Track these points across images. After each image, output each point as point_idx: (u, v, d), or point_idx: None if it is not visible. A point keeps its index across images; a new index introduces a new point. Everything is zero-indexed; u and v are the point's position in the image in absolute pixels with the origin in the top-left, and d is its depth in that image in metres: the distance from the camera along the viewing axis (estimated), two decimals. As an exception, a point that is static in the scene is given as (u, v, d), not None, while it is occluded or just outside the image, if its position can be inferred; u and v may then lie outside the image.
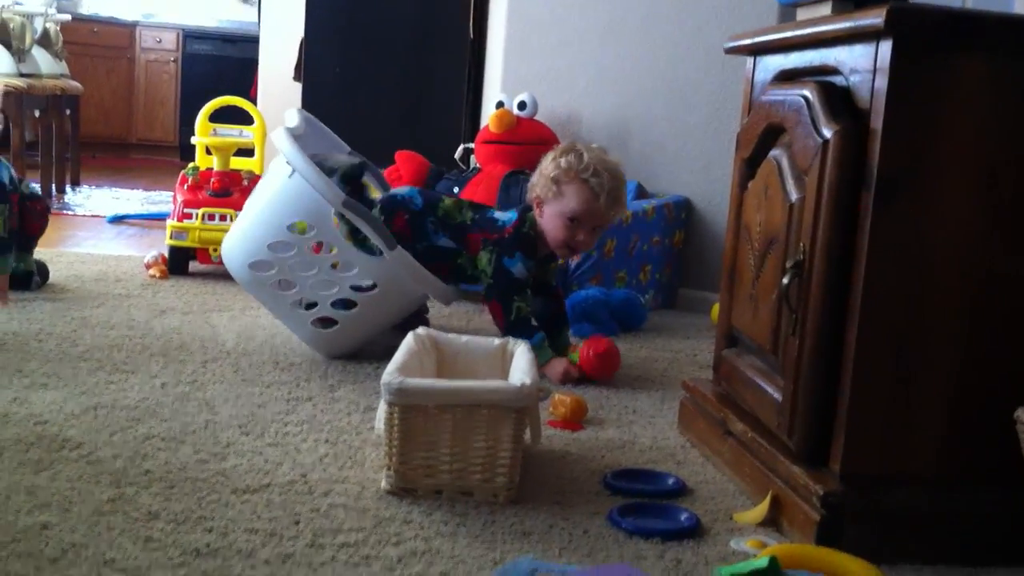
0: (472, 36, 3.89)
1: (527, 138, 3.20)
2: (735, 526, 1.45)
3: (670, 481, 1.57)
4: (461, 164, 3.50)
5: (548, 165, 2.23)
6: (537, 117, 3.23)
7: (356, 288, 2.15)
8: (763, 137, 1.63)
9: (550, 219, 2.21)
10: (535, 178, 2.26)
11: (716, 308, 2.76)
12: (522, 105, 3.22)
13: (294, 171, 2.09)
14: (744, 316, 1.65)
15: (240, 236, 2.22)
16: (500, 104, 3.27)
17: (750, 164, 1.68)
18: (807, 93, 1.46)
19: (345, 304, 2.15)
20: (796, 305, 1.42)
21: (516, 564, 1.22)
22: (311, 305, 2.17)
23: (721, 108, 3.06)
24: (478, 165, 3.34)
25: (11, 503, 1.34)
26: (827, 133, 1.37)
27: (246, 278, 2.22)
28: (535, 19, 3.30)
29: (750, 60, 1.78)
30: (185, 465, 1.52)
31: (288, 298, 2.18)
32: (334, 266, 2.18)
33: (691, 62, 3.11)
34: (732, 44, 1.79)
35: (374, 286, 2.14)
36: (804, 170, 1.44)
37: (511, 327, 2.18)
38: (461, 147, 3.55)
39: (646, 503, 1.48)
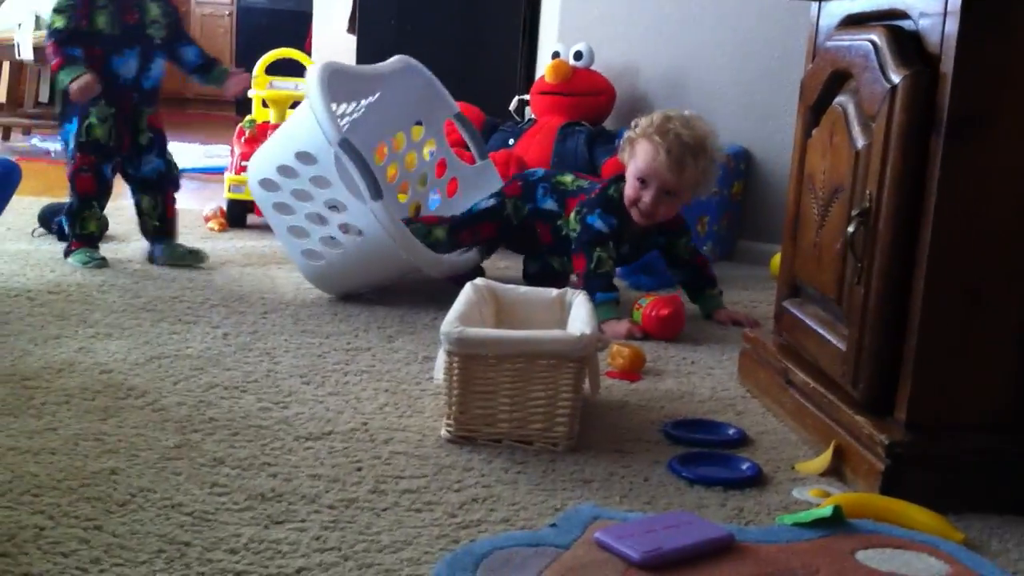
0: (527, -15, 3.85)
1: (583, 89, 3.18)
2: (797, 476, 1.43)
3: (730, 431, 1.56)
4: (516, 116, 3.48)
5: (627, 133, 2.27)
6: (594, 67, 3.20)
7: (345, 230, 2.20)
8: (828, 84, 1.60)
9: (627, 179, 2.24)
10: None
11: (775, 259, 2.74)
12: (578, 55, 3.19)
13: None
14: (807, 266, 1.63)
15: (261, 153, 2.33)
16: (556, 54, 3.24)
17: (814, 112, 1.65)
18: (875, 38, 1.42)
19: (334, 243, 2.21)
20: (862, 253, 1.39)
21: (577, 511, 1.22)
22: (304, 235, 2.23)
23: (781, 56, 3.00)
24: (533, 116, 3.32)
25: (79, 449, 1.36)
26: (895, 78, 1.34)
27: (256, 193, 2.30)
28: (591, -33, 3.26)
29: (814, 6, 1.74)
30: (248, 413, 1.54)
31: (286, 222, 2.25)
32: (334, 208, 2.20)
33: (750, 9, 3.06)
34: (797, -11, 1.75)
35: (360, 233, 2.17)
36: (871, 116, 1.41)
37: (589, 276, 2.20)
38: (516, 99, 3.53)
39: (706, 452, 1.47)
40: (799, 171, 1.70)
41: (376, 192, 2.13)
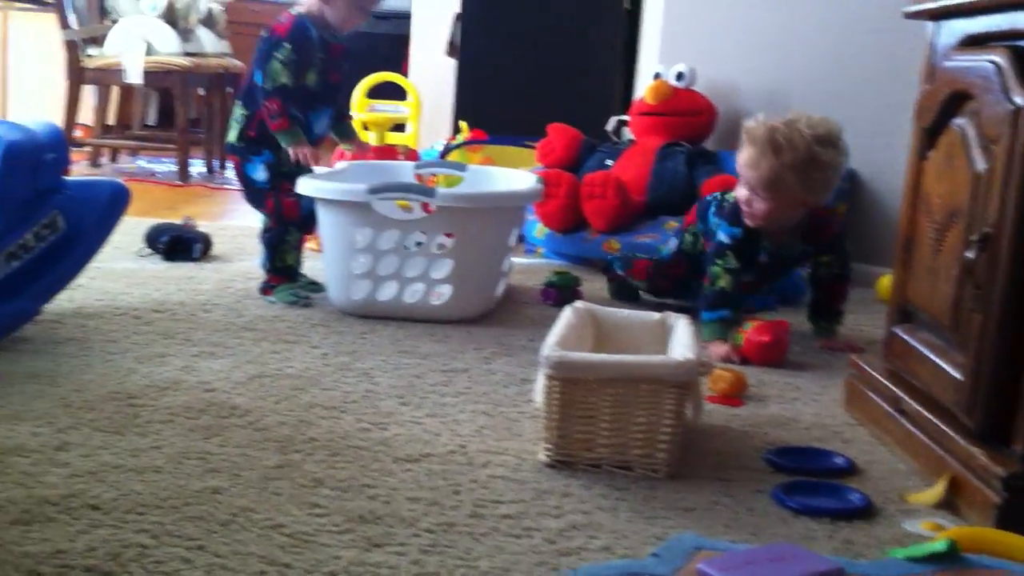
0: (628, 6, 3.83)
1: (684, 109, 3.15)
2: (908, 507, 1.38)
3: (837, 459, 1.52)
4: (613, 136, 3.46)
5: None
6: (695, 87, 3.17)
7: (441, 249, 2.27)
8: (945, 105, 1.54)
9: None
10: None
11: (882, 281, 2.67)
12: (680, 76, 3.16)
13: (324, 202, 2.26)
14: (921, 290, 1.58)
15: (334, 279, 2.32)
16: (657, 75, 3.21)
17: (930, 133, 1.60)
18: (997, 59, 1.37)
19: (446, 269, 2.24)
20: (981, 280, 1.34)
21: (680, 540, 1.19)
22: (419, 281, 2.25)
23: (888, 74, 2.92)
24: (632, 137, 3.29)
25: (183, 468, 1.38)
26: (1020, 101, 1.28)
27: (366, 309, 2.28)
28: (694, -13, 3.23)
29: (930, 25, 1.68)
30: (347, 434, 1.55)
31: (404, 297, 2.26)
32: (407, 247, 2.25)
33: (853, 25, 2.99)
34: (913, 9, 1.69)
35: (449, 236, 2.28)
36: (993, 139, 1.36)
37: (703, 291, 2.20)
38: (614, 119, 3.51)
39: (812, 481, 1.43)
40: (913, 193, 1.65)
41: (429, 191, 2.22)
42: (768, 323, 2.09)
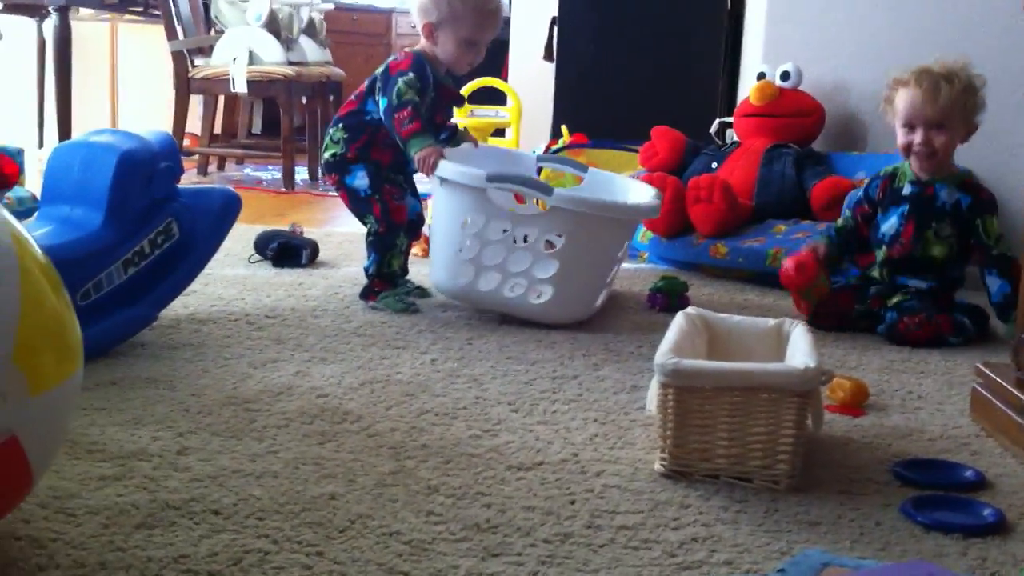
0: (729, 6, 3.78)
1: (790, 110, 3.09)
2: (1045, 525, 1.32)
3: (967, 473, 1.46)
4: (716, 139, 3.40)
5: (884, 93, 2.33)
6: (801, 87, 3.10)
7: (549, 247, 2.23)
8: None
9: (897, 135, 2.30)
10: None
11: (1005, 287, 2.57)
12: (785, 76, 3.10)
13: (441, 180, 2.26)
14: (1053, 296, 1.51)
15: (440, 260, 2.34)
16: (761, 75, 3.15)
17: (1059, 129, 1.54)
18: None
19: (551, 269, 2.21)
20: (1122, 283, 1.28)
21: (806, 556, 1.15)
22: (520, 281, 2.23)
23: (1005, 73, 2.82)
24: (737, 139, 3.24)
25: (300, 473, 1.39)
26: None
27: (465, 295, 2.30)
28: (799, -15, 3.16)
29: (1055, 16, 1.62)
30: (459, 440, 1.54)
31: (504, 290, 2.24)
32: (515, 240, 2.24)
33: (964, 24, 2.90)
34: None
35: (560, 236, 2.22)
36: None
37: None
38: (717, 121, 3.46)
39: (942, 496, 1.37)
40: (1041, 194, 1.58)
41: (547, 189, 2.19)
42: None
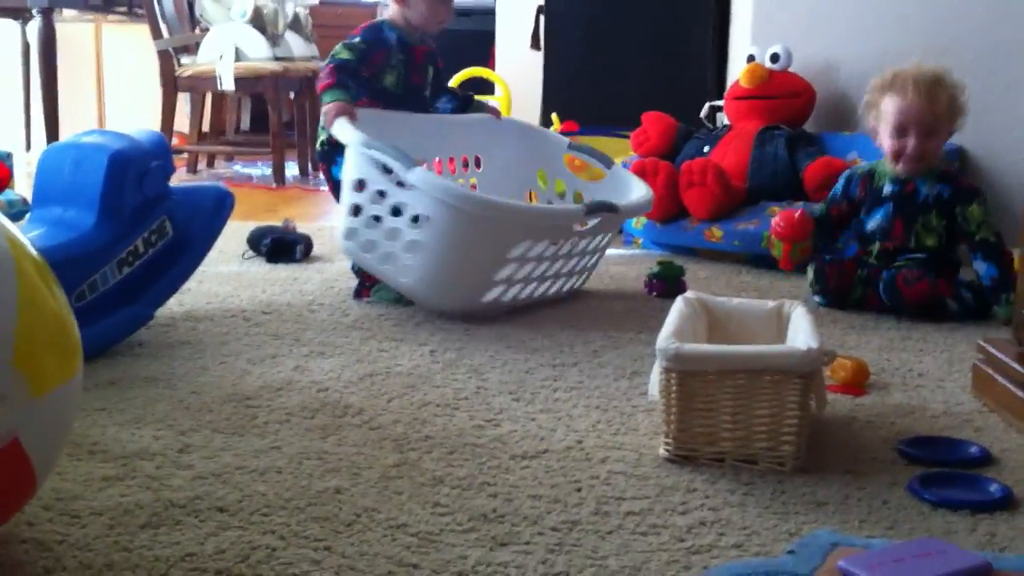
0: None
1: (781, 91, 3.08)
2: (1051, 499, 1.32)
3: (972, 449, 1.46)
4: (707, 123, 3.40)
5: (864, 98, 2.34)
6: (791, 69, 3.09)
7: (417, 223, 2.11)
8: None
9: (884, 141, 2.29)
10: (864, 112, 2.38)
11: (999, 263, 2.57)
12: (775, 57, 3.09)
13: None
14: (1053, 269, 1.51)
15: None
16: (751, 58, 3.15)
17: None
18: None
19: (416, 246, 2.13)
20: (1123, 255, 1.28)
21: (815, 537, 1.15)
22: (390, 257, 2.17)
23: (995, 51, 2.82)
24: (727, 123, 3.23)
25: (304, 468, 1.38)
26: None
27: (351, 252, 2.27)
28: (786, -34, 3.15)
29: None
30: (462, 431, 1.53)
31: (377, 255, 2.18)
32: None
33: (959, 4, 2.89)
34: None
35: (428, 220, 2.09)
36: None
37: None
38: (707, 105, 3.45)
39: (948, 472, 1.37)
40: (1038, 168, 1.58)
41: (409, 162, 2.07)
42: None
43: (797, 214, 2.31)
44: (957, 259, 2.33)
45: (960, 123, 2.31)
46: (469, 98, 2.63)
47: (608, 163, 2.58)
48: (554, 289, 2.35)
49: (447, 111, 2.59)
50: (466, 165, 2.62)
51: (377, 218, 2.16)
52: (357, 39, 2.37)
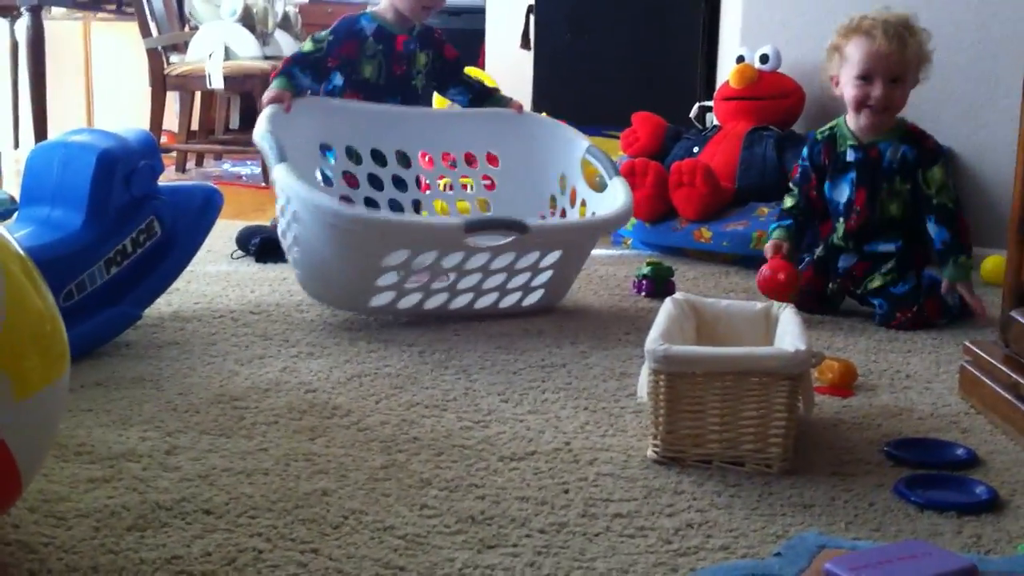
0: (706, -12, 3.77)
1: (770, 92, 3.09)
2: (1037, 501, 1.33)
3: (959, 451, 1.46)
4: (696, 123, 3.40)
5: (828, 43, 2.26)
6: (780, 69, 3.10)
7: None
8: (1057, 75, 1.48)
9: (846, 89, 2.20)
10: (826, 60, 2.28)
11: (987, 263, 2.58)
12: (764, 58, 3.10)
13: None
14: (1039, 272, 1.51)
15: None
16: (740, 58, 3.15)
17: (1040, 107, 1.54)
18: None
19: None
20: (1109, 258, 1.28)
21: (802, 539, 1.15)
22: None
23: (985, 48, 2.83)
24: (717, 123, 3.24)
25: (291, 469, 1.38)
26: None
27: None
28: (776, -34, 3.16)
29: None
30: (450, 432, 1.53)
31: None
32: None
33: (949, 3, 2.90)
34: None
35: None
36: (1114, 108, 1.29)
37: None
38: (696, 105, 3.45)
39: (934, 474, 1.38)
40: (1025, 172, 1.58)
41: (278, 157, 2.05)
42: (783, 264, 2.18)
43: (780, 277, 2.16)
44: (927, 235, 2.24)
45: (925, 72, 2.22)
46: (487, 91, 2.60)
47: (611, 174, 2.36)
48: (486, 303, 2.19)
49: (462, 103, 2.58)
50: (470, 162, 2.56)
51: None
52: (325, 32, 2.44)
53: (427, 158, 2.56)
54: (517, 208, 2.39)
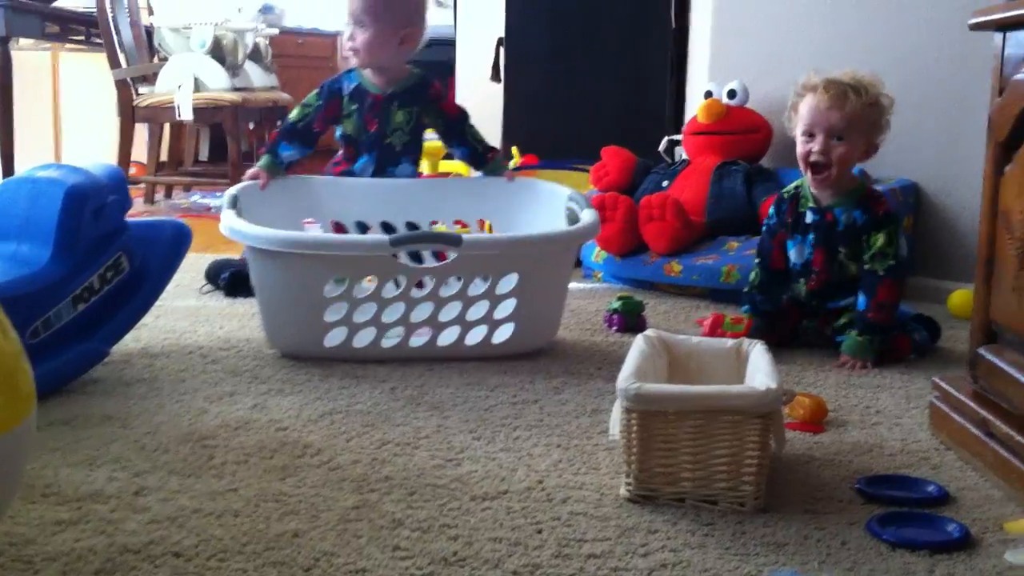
0: (675, 24, 3.80)
1: (738, 127, 3.11)
2: (1007, 537, 1.33)
3: (930, 488, 1.47)
4: (665, 156, 3.43)
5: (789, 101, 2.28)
6: (748, 104, 3.13)
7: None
8: (1021, 118, 1.50)
9: (797, 146, 2.22)
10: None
11: (953, 297, 2.61)
12: (732, 93, 3.13)
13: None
14: (1006, 309, 1.53)
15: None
16: (708, 94, 3.18)
17: (1006, 148, 1.56)
18: (1077, 66, 1.33)
19: None
20: (1075, 297, 1.29)
21: (776, 579, 1.15)
22: None
23: (950, 87, 2.87)
24: (686, 157, 3.26)
25: (261, 510, 1.36)
26: (1106, 108, 1.24)
27: None
28: (743, 3, 3.21)
29: (998, 35, 1.64)
30: (422, 471, 1.52)
31: None
32: None
33: (909, 36, 2.94)
34: (978, 20, 1.65)
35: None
36: (1078, 150, 1.31)
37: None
38: (665, 139, 3.48)
39: (906, 512, 1.38)
40: (991, 210, 1.60)
41: (230, 203, 2.16)
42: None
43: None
44: None
45: (878, 138, 2.20)
46: (484, 157, 2.55)
47: (583, 206, 2.28)
48: (450, 339, 2.13)
49: (467, 161, 2.61)
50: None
51: None
52: (315, 93, 2.50)
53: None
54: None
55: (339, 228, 2.46)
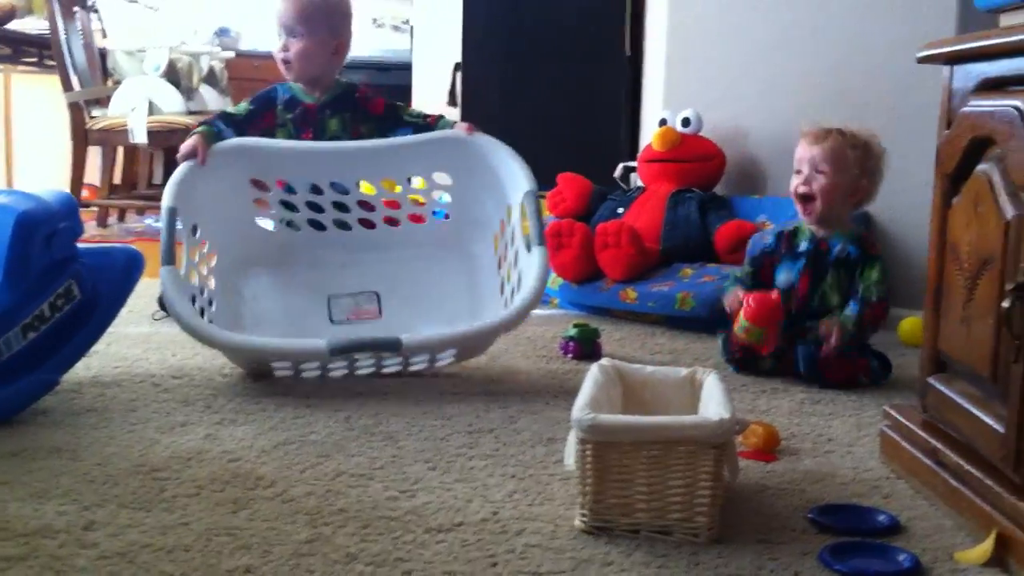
0: (629, 53, 3.84)
1: (692, 155, 3.14)
2: (957, 566, 1.35)
3: (881, 517, 1.48)
4: (621, 183, 3.45)
5: None
6: (702, 133, 3.16)
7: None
8: (968, 151, 1.53)
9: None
10: None
11: (904, 325, 2.65)
12: (686, 122, 3.16)
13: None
14: (955, 340, 1.55)
15: None
16: (663, 122, 3.21)
17: (953, 180, 1.58)
18: (1020, 104, 1.35)
19: None
20: (1020, 330, 1.31)
21: (729, 611, 1.15)
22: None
23: (899, 116, 2.91)
24: (641, 184, 3.28)
25: (212, 545, 1.35)
26: (1049, 144, 1.27)
27: None
28: (697, 32, 3.24)
29: (946, 69, 1.67)
30: (376, 503, 1.51)
31: None
32: None
33: (863, 69, 2.99)
34: (927, 53, 1.68)
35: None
36: (1021, 186, 1.34)
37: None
38: (621, 166, 3.50)
39: (858, 542, 1.39)
40: (939, 241, 1.63)
41: (166, 258, 2.13)
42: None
43: (774, 295, 2.23)
44: None
45: (868, 185, 2.33)
46: (427, 119, 2.52)
47: (535, 241, 2.24)
48: (393, 368, 2.19)
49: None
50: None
51: None
52: (247, 100, 2.52)
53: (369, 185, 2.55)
54: (466, 233, 2.50)
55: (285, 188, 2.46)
